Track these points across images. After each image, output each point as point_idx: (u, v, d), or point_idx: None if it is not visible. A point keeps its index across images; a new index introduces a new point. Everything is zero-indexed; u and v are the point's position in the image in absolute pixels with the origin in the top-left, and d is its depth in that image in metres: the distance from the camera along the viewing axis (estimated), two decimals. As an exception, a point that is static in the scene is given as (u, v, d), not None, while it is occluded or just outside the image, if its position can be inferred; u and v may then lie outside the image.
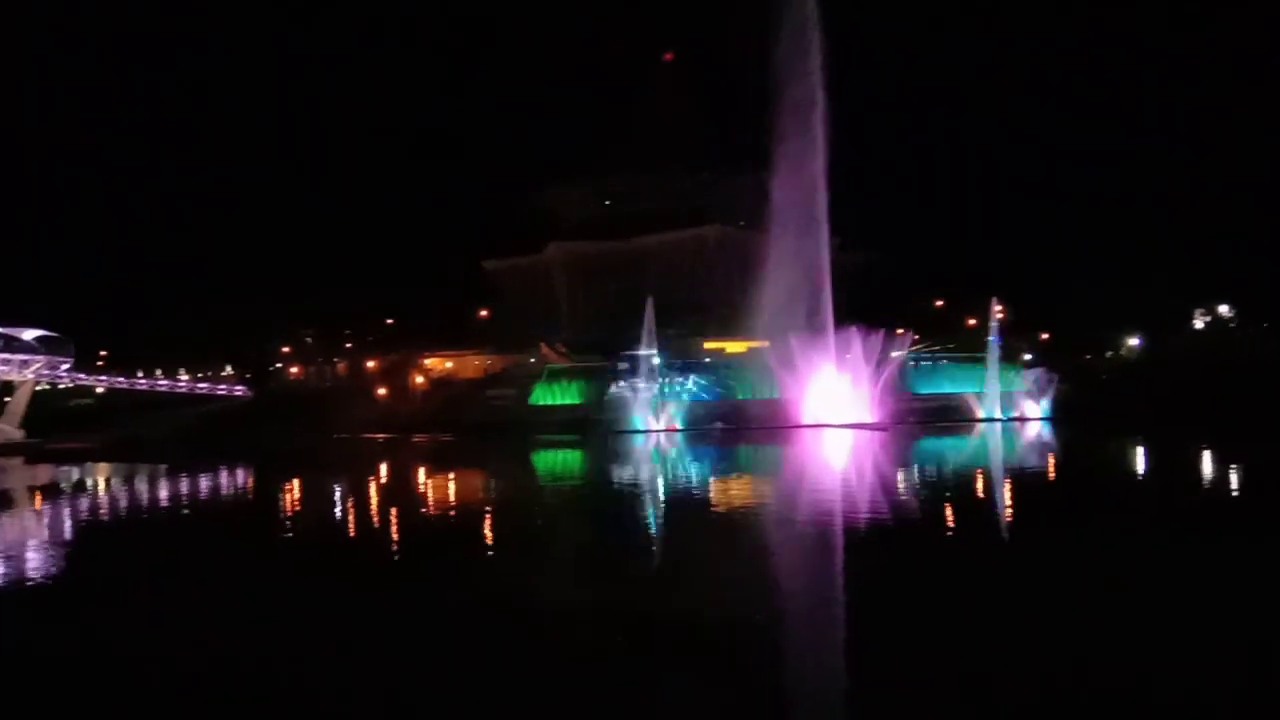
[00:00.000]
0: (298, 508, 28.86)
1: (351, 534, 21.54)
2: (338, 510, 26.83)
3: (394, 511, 25.61)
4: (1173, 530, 18.52)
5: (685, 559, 17.36)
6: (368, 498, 30.68)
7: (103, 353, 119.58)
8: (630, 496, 28.43)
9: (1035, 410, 72.62)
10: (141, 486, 36.93)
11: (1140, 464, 37.54)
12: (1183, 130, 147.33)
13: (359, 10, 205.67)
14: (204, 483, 37.45)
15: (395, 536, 20.99)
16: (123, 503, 31.20)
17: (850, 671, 9.77)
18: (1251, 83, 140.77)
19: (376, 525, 23.05)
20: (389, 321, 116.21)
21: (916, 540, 18.01)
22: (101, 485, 38.24)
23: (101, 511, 28.46)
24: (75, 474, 44.47)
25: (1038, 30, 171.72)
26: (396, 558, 18.38)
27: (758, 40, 69.77)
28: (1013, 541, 18.44)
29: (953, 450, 46.27)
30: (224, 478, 40.52)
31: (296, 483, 37.43)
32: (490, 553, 18.74)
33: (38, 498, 33.12)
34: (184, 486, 36.10)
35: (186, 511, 27.72)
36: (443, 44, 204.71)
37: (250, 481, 39.52)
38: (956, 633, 10.88)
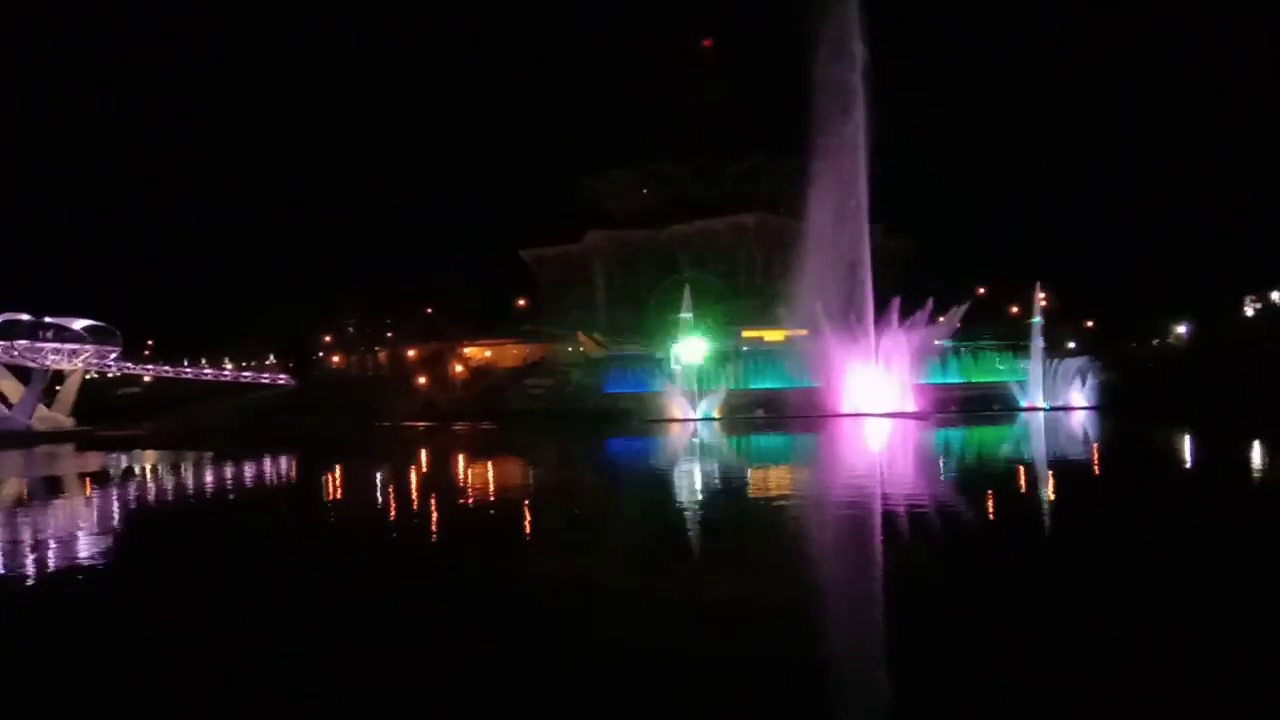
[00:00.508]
0: (344, 495, 29.16)
1: (431, 522, 21.71)
2: (397, 498, 27.08)
3: (461, 499, 25.81)
4: (1230, 525, 18.09)
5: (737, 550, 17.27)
6: (424, 486, 30.92)
7: (149, 342, 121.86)
8: (672, 486, 28.41)
9: (1080, 400, 71.35)
10: (190, 473, 37.58)
11: (1189, 456, 36.74)
12: (1231, 113, 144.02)
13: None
14: (249, 470, 38.02)
15: (473, 523, 21.11)
16: (170, 489, 31.77)
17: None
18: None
19: (464, 512, 23.22)
20: (429, 311, 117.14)
21: (956, 533, 17.78)
22: (150, 472, 38.95)
23: (150, 498, 29.00)
24: (124, 461, 45.34)
25: (1083, 8, 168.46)
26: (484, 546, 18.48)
27: (797, 25, 69.15)
28: (1075, 536, 18.12)
29: (994, 440, 45.67)
30: (268, 465, 41.10)
31: (340, 471, 37.87)
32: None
33: (88, 484, 33.80)
34: (230, 473, 36.67)
35: (233, 498, 28.13)
36: (482, 32, 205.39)
37: (294, 469, 40.04)
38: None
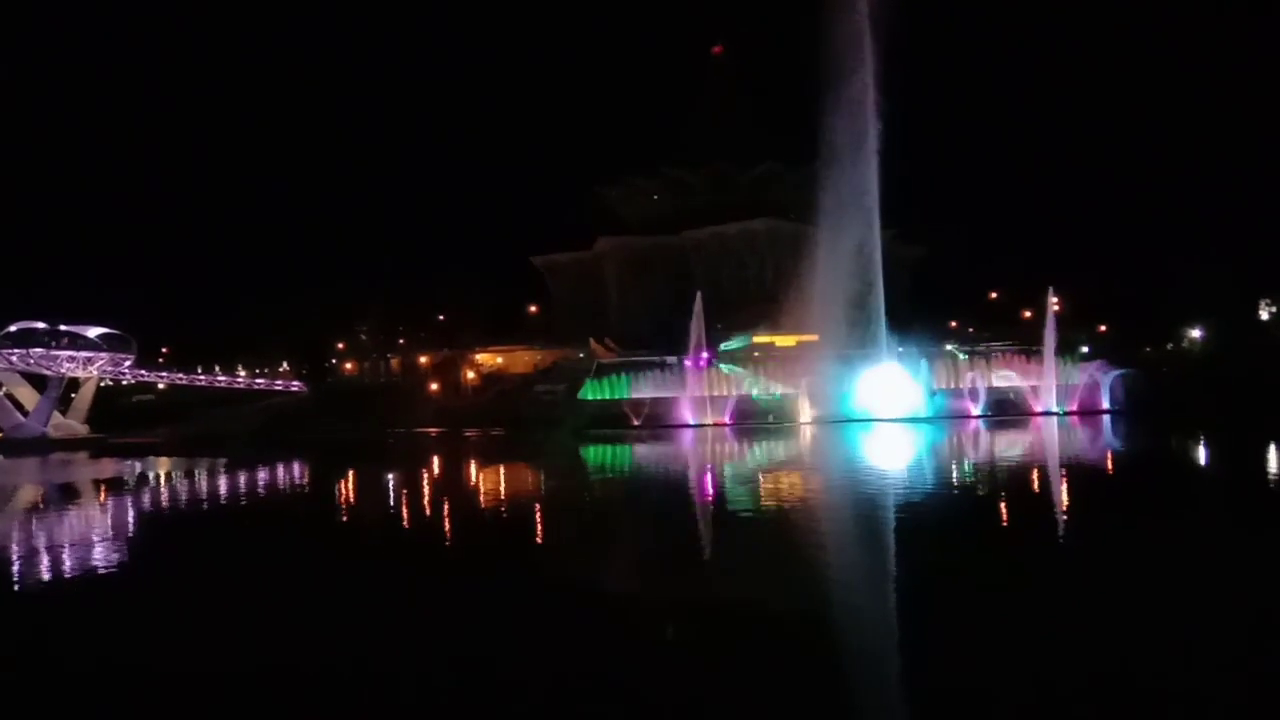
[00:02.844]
0: (356, 501, 29.28)
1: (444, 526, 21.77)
2: (404, 503, 27.18)
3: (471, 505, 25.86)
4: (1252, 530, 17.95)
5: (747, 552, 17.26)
6: (432, 491, 31.00)
7: (164, 349, 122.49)
8: (672, 491, 28.39)
9: (1094, 404, 70.91)
10: (203, 481, 37.76)
11: (1206, 459, 36.51)
12: (1244, 118, 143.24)
13: (412, 6, 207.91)
14: (262, 477, 38.17)
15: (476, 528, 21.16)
16: (184, 496, 31.91)
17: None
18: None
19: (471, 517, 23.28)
20: (440, 318, 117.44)
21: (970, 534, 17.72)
22: (164, 479, 39.14)
23: (163, 505, 29.13)
24: (138, 468, 45.57)
25: (1094, 17, 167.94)
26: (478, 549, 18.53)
27: (809, 33, 69.21)
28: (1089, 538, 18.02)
29: (1005, 445, 45.41)
30: (281, 472, 41.26)
31: (353, 477, 37.99)
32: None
33: (102, 491, 33.99)
34: (243, 481, 36.82)
35: (244, 505, 28.26)
36: (495, 39, 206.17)
37: (307, 476, 40.18)
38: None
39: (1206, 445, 42.32)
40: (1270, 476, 28.90)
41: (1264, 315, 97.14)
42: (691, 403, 71.91)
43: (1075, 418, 65.69)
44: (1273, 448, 38.08)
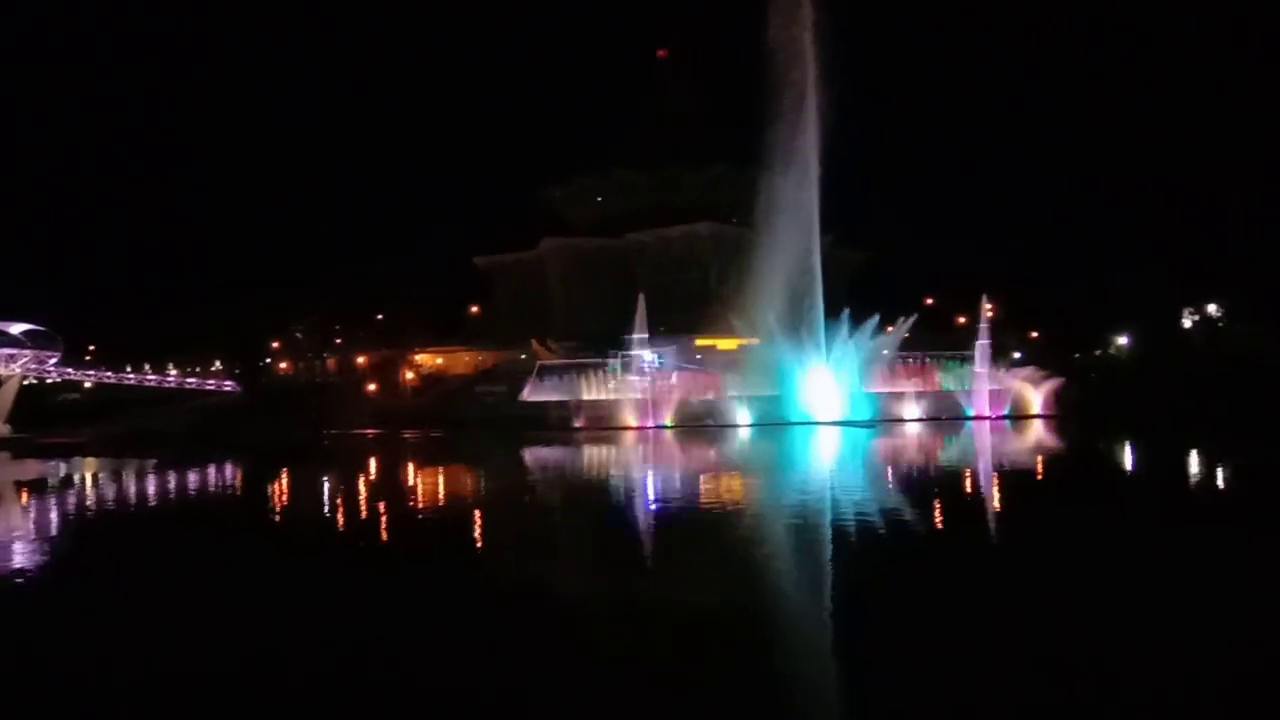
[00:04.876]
0: (288, 503, 28.82)
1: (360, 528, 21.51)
2: (330, 506, 26.81)
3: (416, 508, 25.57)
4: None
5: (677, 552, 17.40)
6: (365, 494, 30.63)
7: (91, 347, 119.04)
8: (608, 494, 28.47)
9: (1026, 408, 72.81)
10: (131, 482, 36.82)
11: (1126, 461, 37.83)
12: (1171, 132, 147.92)
13: (351, 3, 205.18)
14: (193, 479, 37.37)
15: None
16: (111, 498, 31.09)
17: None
18: (1236, 83, 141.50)
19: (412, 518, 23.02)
20: (379, 317, 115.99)
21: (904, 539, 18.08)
22: (90, 481, 38.10)
23: (89, 507, 28.36)
24: (64, 469, 44.28)
25: (1024, 29, 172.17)
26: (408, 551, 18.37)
27: (752, 36, 69.92)
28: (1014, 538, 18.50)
29: (937, 448, 46.41)
30: (213, 474, 40.42)
31: (286, 479, 37.36)
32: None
33: (24, 493, 32.96)
34: (173, 482, 36.01)
35: (174, 508, 27.65)
36: (435, 38, 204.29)
37: (238, 478, 39.43)
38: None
39: (1129, 448, 43.83)
40: (1184, 477, 30.33)
41: (1187, 323, 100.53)
42: (632, 405, 72.05)
43: (1007, 422, 67.43)
44: (1194, 451, 39.65)
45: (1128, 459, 39.53)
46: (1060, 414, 69.96)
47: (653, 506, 25.03)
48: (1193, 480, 30.08)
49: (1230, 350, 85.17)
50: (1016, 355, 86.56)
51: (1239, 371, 72.29)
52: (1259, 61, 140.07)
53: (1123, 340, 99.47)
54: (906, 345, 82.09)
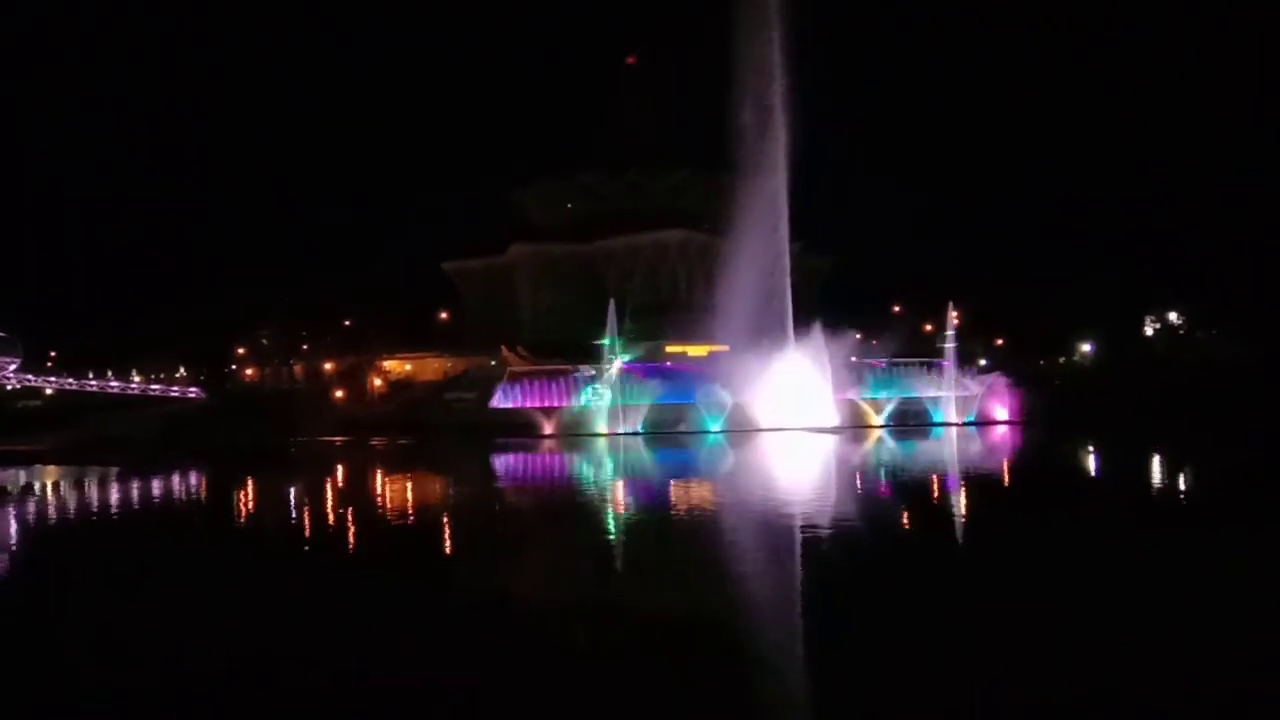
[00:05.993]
0: (249, 513, 28.48)
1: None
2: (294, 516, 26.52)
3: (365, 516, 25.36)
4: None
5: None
6: (328, 502, 30.33)
7: (52, 353, 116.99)
8: (585, 500, 28.38)
9: (992, 415, 73.45)
10: (93, 490, 36.22)
11: (1088, 465, 38.37)
12: (1133, 142, 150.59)
13: (323, 9, 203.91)
14: (156, 487, 36.82)
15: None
16: (72, 507, 30.56)
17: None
18: (1198, 94, 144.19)
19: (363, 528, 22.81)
20: (346, 323, 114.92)
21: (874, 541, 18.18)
22: (50, 489, 37.42)
23: (49, 516, 27.86)
24: (23, 476, 43.45)
25: (992, 41, 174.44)
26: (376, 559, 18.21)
27: (723, 44, 70.21)
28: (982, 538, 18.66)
29: (906, 453, 46.79)
30: (176, 482, 39.84)
31: (250, 488, 36.92)
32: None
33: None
34: (135, 491, 35.46)
35: (135, 516, 27.22)
36: (405, 45, 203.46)
37: (201, 486, 38.91)
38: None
39: (1091, 453, 44.47)
40: (1139, 480, 30.89)
41: (1148, 330, 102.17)
42: (604, 411, 71.89)
43: (973, 428, 67.96)
44: (1155, 455, 40.28)
45: (1091, 464, 40.09)
46: (1026, 420, 70.67)
47: (621, 512, 25.08)
48: (1155, 484, 30.66)
49: (1190, 356, 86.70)
50: (982, 362, 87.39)
51: (1200, 377, 73.59)
52: (1220, 73, 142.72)
53: (1086, 347, 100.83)
54: (876, 352, 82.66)
